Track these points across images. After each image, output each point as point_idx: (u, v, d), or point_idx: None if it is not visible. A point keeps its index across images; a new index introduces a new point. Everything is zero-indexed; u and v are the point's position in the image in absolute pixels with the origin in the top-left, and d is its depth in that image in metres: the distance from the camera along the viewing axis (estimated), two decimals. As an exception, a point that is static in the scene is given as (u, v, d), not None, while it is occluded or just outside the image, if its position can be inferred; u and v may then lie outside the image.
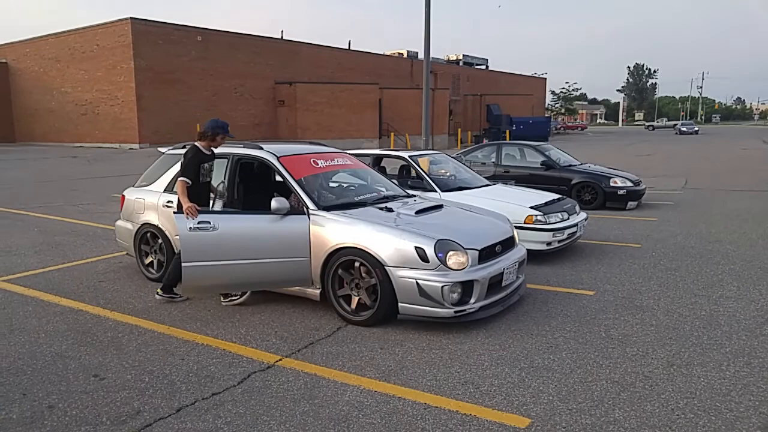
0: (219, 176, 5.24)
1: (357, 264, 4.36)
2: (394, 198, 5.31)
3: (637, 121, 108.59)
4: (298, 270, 4.58)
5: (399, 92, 36.36)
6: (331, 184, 5.54)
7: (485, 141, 23.82)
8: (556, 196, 7.11)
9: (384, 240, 4.26)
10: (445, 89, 40.27)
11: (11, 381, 3.52)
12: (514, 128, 38.17)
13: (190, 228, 4.43)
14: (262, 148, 5.18)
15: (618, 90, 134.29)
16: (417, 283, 4.11)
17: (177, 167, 5.64)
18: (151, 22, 28.17)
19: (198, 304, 4.96)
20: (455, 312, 4.17)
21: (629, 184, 10.14)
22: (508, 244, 4.84)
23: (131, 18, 27.30)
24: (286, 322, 4.53)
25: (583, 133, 61.46)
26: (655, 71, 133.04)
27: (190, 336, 4.23)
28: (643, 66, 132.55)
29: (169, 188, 5.62)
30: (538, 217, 6.23)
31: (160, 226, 5.55)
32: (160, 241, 5.60)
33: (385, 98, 35.22)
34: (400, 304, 4.22)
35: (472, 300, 4.24)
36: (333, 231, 4.45)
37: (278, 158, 5.00)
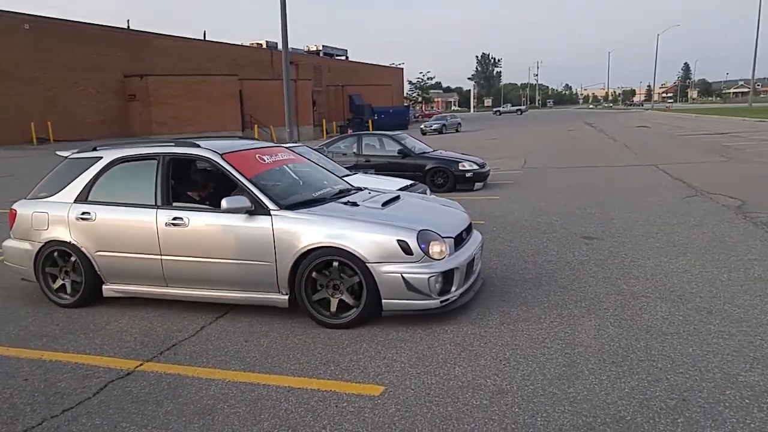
0: (148, 179, 4.67)
1: (336, 264, 4.17)
2: (348, 192, 5.07)
3: (487, 106, 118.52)
4: (260, 274, 4.32)
5: (260, 83, 35.65)
6: (281, 182, 5.05)
7: (350, 131, 24.38)
8: (409, 182, 7.68)
9: (362, 236, 4.09)
10: (308, 80, 40.25)
11: None
12: (376, 118, 39.44)
13: (166, 223, 4.50)
14: (199, 146, 4.72)
15: (469, 78, 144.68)
16: (403, 277, 4.05)
17: (89, 174, 4.91)
18: (-38, 7, 24.52)
19: (43, 320, 4.66)
20: (441, 302, 4.17)
21: (475, 167, 11.19)
22: (469, 229, 4.98)
23: (-66, 1, 23.47)
24: (147, 327, 4.45)
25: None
26: (499, 60, 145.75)
27: (35, 354, 3.99)
28: (488, 55, 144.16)
29: (82, 198, 4.92)
30: (393, 204, 6.67)
31: (74, 242, 4.83)
32: (74, 259, 4.88)
33: (246, 90, 34.33)
34: (384, 301, 4.14)
35: (454, 288, 4.26)
36: (302, 231, 4.18)
37: (222, 156, 4.58)
